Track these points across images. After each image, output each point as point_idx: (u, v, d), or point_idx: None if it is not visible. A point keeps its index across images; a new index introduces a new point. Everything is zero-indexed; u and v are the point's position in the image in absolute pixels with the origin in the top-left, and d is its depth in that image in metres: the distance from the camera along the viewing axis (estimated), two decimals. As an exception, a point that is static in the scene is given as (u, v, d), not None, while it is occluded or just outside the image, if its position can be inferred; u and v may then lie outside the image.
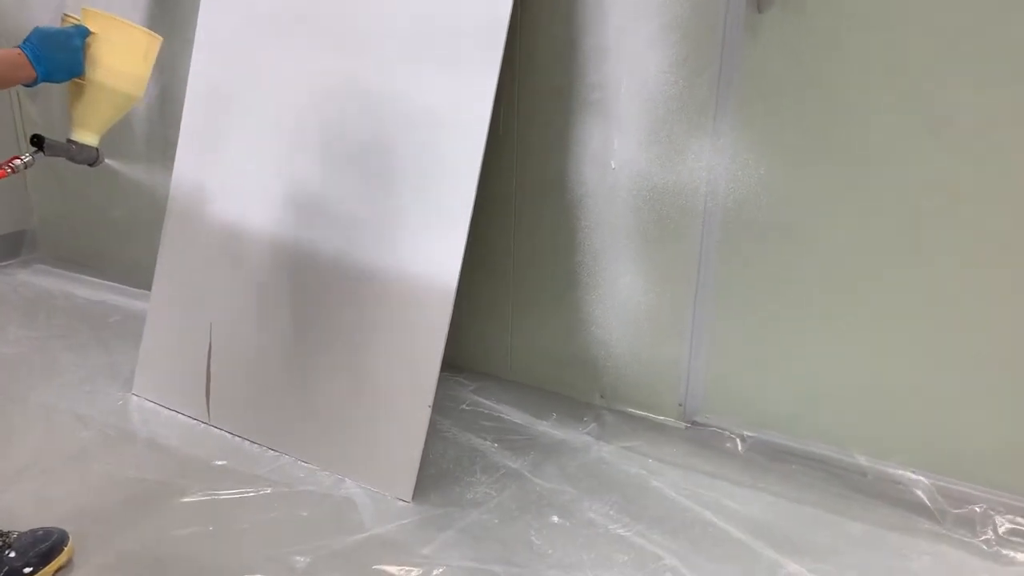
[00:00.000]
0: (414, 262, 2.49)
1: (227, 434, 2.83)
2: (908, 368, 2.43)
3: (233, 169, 2.82)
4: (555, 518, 2.42)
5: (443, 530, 2.36)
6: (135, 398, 3.06)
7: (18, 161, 1.95)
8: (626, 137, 2.60)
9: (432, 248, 2.46)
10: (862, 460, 2.60)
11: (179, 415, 2.94)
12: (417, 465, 2.48)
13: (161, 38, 2.09)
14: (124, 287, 4.13)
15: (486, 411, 3.00)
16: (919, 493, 2.48)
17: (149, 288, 3.09)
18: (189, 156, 2.93)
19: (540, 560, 2.25)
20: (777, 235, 2.48)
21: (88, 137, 2.07)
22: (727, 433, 2.81)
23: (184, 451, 2.73)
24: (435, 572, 2.18)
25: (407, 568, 2.20)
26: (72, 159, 2.07)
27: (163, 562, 2.20)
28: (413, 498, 2.49)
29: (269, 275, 2.74)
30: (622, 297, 2.78)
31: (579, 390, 3.01)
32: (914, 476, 2.52)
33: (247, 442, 2.78)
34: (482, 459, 2.71)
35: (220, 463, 2.67)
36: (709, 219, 2.56)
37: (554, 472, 2.65)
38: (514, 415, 2.97)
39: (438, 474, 2.63)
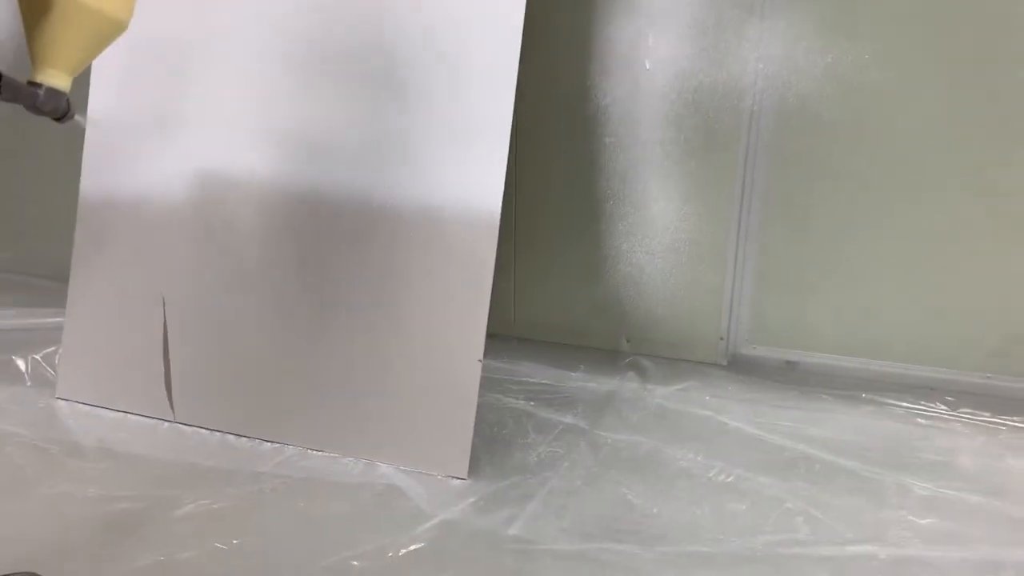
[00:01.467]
0: (442, 189, 2.04)
1: (202, 430, 2.26)
2: (979, 286, 2.25)
3: (189, 97, 2.25)
4: (644, 472, 2.06)
5: (523, 503, 1.95)
6: (62, 403, 2.41)
7: None
8: (663, 30, 2.26)
9: (466, 170, 2.02)
10: (927, 372, 2.41)
11: (130, 416, 2.34)
12: (470, 434, 2.05)
13: None
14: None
15: (504, 373, 2.59)
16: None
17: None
18: (107, 86, 2.32)
19: (651, 523, 1.88)
20: (844, 133, 2.23)
21: (58, 79, 1.48)
22: (777, 361, 2.55)
23: (153, 456, 2.15)
24: (541, 558, 1.76)
25: (502, 556, 1.77)
26: (34, 108, 1.48)
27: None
28: (468, 474, 2.05)
29: (248, 227, 2.20)
30: (657, 225, 2.44)
31: (601, 338, 2.66)
32: (984, 380, 2.36)
33: (232, 436, 2.24)
34: (528, 419, 2.31)
35: (207, 464, 2.11)
36: (759, 120, 2.28)
37: (616, 423, 2.29)
38: (537, 373, 2.57)
39: (483, 443, 2.20)
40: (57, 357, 2.54)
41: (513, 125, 2.46)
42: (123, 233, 2.34)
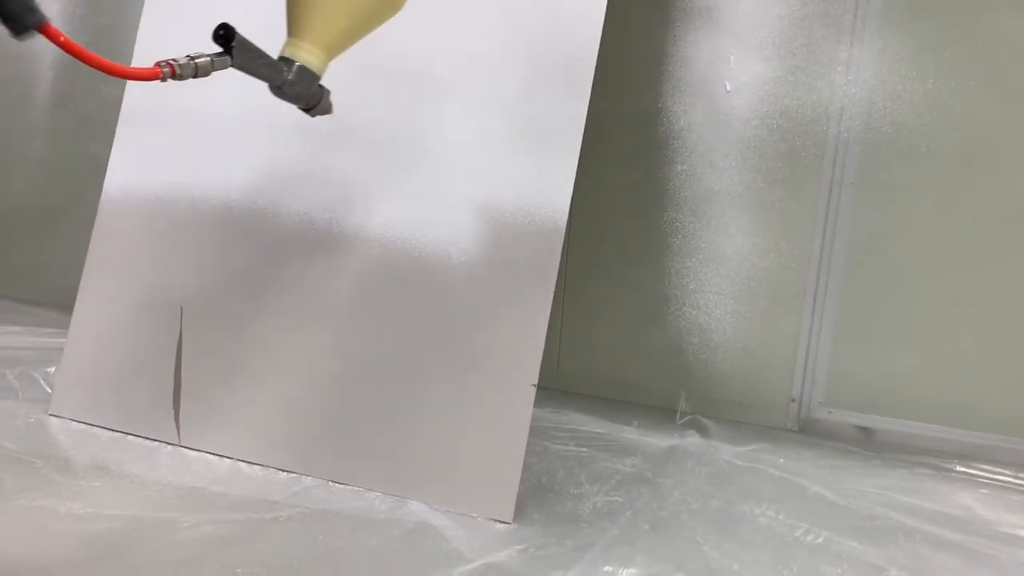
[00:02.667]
0: (503, 200, 1.84)
1: (209, 455, 1.99)
2: None
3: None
4: (720, 527, 1.77)
5: (581, 552, 1.65)
6: (55, 420, 2.15)
7: (184, 60, 1.12)
8: (746, 50, 2.10)
9: (526, 170, 1.83)
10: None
11: (128, 437, 2.06)
12: (518, 473, 1.77)
13: None
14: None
15: (549, 422, 2.32)
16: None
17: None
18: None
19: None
20: (943, 167, 2.03)
21: (312, 55, 1.23)
22: (852, 428, 2.27)
23: (151, 478, 1.87)
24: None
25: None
26: (279, 90, 1.23)
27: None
28: (513, 519, 1.76)
29: (282, 240, 1.99)
30: (731, 262, 2.22)
31: (656, 394, 2.39)
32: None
33: (243, 464, 1.96)
34: (580, 468, 2.02)
35: (215, 489, 1.83)
36: (847, 149, 2.09)
37: (682, 474, 2.00)
38: (587, 423, 2.30)
39: (529, 490, 1.92)
40: (53, 372, 2.29)
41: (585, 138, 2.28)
42: (142, 237, 2.13)
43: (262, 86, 1.25)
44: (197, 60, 1.11)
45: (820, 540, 1.74)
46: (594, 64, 1.79)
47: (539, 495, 1.89)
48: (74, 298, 2.19)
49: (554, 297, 1.81)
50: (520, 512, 1.79)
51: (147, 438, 2.05)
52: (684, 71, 2.14)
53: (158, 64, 1.09)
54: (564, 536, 1.71)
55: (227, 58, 1.13)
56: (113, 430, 2.08)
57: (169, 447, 2.03)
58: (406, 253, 1.90)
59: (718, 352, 2.25)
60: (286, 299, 1.98)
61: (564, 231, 1.80)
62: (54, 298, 2.87)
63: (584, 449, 2.12)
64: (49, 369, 2.43)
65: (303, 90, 1.24)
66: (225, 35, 1.12)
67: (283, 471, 1.93)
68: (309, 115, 1.33)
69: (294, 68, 1.21)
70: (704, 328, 2.24)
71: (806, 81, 2.05)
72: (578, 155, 1.80)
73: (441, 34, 1.94)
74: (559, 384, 2.51)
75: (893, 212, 2.07)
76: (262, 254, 2.01)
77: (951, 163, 2.01)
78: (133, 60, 2.17)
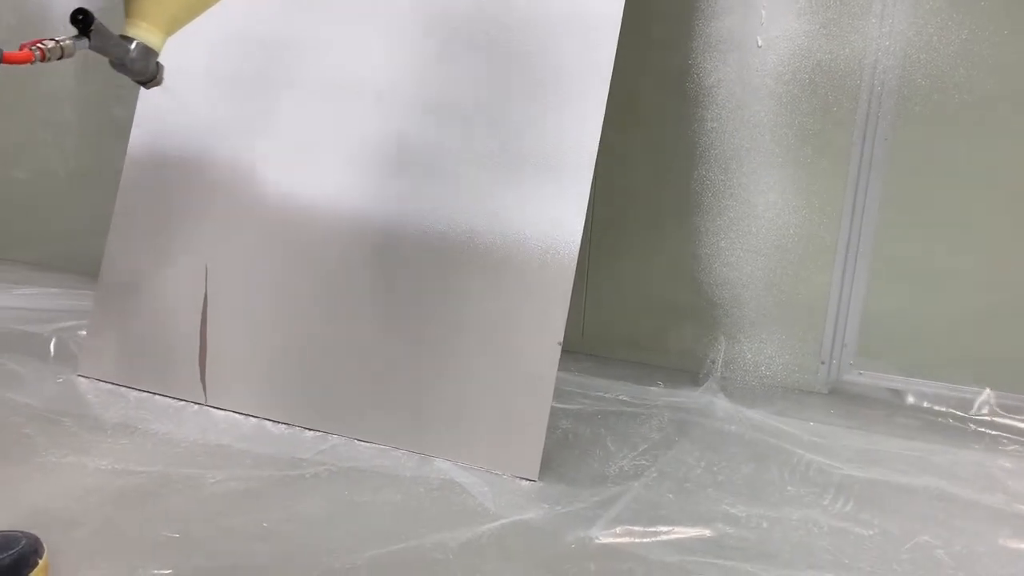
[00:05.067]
0: (524, 137, 1.81)
1: (235, 415, 1.99)
2: None
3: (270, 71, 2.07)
4: (747, 489, 1.75)
5: (607, 507, 1.64)
6: (83, 380, 2.16)
7: (51, 43, 1.19)
8: (779, 4, 2.04)
9: (551, 138, 1.80)
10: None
11: (157, 396, 2.07)
12: (544, 430, 1.76)
13: None
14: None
15: (575, 385, 2.29)
16: None
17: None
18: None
19: (760, 540, 1.56)
20: (977, 121, 1.97)
21: (153, 36, 1.34)
22: (884, 391, 2.23)
23: (178, 436, 1.88)
24: (633, 565, 1.45)
25: (586, 562, 1.46)
26: (122, 65, 1.33)
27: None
28: (539, 477, 1.75)
29: (314, 201, 1.98)
30: (762, 219, 2.17)
31: (684, 355, 2.36)
32: None
33: (269, 422, 1.96)
34: (607, 429, 2.00)
35: (240, 447, 1.84)
36: (880, 103, 2.03)
37: (709, 437, 1.98)
38: (613, 387, 2.28)
39: (555, 448, 1.90)
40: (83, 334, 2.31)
41: (616, 94, 2.24)
42: (165, 199, 2.13)
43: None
44: (62, 43, 1.20)
45: (849, 507, 1.71)
46: (606, 90, 1.75)
47: (564, 454, 1.88)
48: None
49: (580, 259, 1.79)
50: (545, 471, 1.78)
51: (174, 397, 2.06)
52: (715, 26, 2.09)
53: (29, 48, 1.16)
54: (592, 494, 1.70)
55: (85, 40, 1.23)
56: (141, 390, 2.09)
57: (195, 406, 2.03)
58: (433, 226, 1.88)
59: (748, 309, 2.21)
60: (313, 260, 1.97)
61: (588, 193, 1.77)
62: (85, 263, 2.89)
63: (610, 412, 2.10)
64: (81, 331, 2.45)
65: (143, 66, 1.34)
66: (84, 20, 1.22)
67: (309, 429, 1.93)
68: (144, 88, 1.43)
69: (136, 46, 1.32)
70: (734, 286, 2.21)
71: (839, 34, 2.00)
72: (602, 116, 1.76)
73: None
74: (585, 348, 2.49)
75: (926, 166, 2.01)
76: (287, 216, 2.00)
77: (985, 114, 1.95)
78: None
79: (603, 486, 1.74)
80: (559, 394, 2.21)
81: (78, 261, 2.98)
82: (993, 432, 2.08)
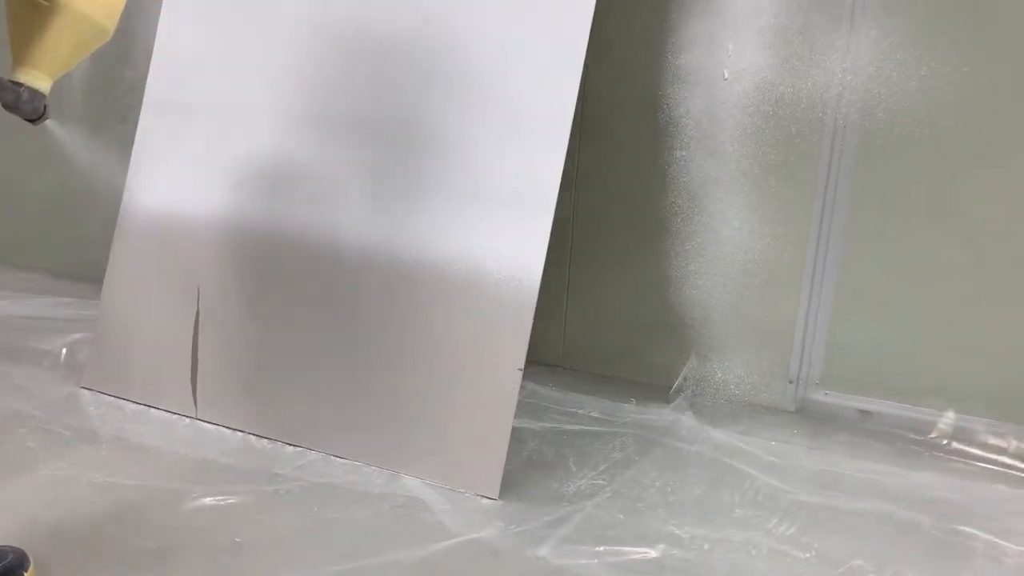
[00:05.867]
0: (495, 179, 1.91)
1: (223, 429, 2.13)
2: None
3: (229, 89, 2.18)
4: (695, 513, 1.84)
5: (556, 527, 1.74)
6: (86, 392, 2.31)
7: None
8: (744, 38, 2.11)
9: (515, 160, 1.89)
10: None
11: (152, 410, 2.21)
12: (503, 452, 1.86)
13: None
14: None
15: (550, 401, 2.39)
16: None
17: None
18: (161, 78, 2.27)
19: (698, 560, 1.66)
20: (938, 154, 2.02)
21: (39, 80, 1.48)
22: (849, 410, 2.31)
23: (168, 450, 2.02)
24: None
25: (530, 578, 1.57)
26: (14, 107, 1.47)
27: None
28: (500, 496, 1.86)
29: (290, 235, 2.10)
30: (728, 245, 2.25)
31: (657, 371, 2.44)
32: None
33: (253, 437, 2.09)
34: (571, 449, 2.11)
35: (224, 461, 1.97)
36: (844, 137, 2.09)
37: (668, 459, 2.07)
38: (586, 403, 2.37)
39: (520, 467, 2.01)
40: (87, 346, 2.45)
41: (575, 130, 2.34)
42: (164, 228, 2.25)
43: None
44: None
45: (792, 530, 1.79)
46: (569, 124, 1.83)
47: (527, 473, 1.98)
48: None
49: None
50: (508, 489, 1.89)
51: (168, 411, 2.20)
52: (683, 58, 2.16)
53: None
54: (544, 513, 1.80)
55: None
56: (137, 403, 2.24)
57: (187, 420, 2.17)
58: (405, 255, 1.98)
59: (717, 331, 2.30)
60: (294, 287, 2.09)
61: (551, 218, 1.86)
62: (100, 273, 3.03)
63: (576, 432, 2.20)
64: (80, 338, 2.60)
65: (32, 108, 1.47)
66: None
67: (290, 445, 2.06)
68: (33, 124, 1.55)
69: (25, 90, 1.44)
70: (704, 308, 2.29)
71: (802, 68, 2.06)
72: (563, 159, 1.85)
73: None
74: (565, 363, 2.58)
75: (889, 198, 2.08)
76: (272, 243, 2.11)
77: (945, 150, 2.00)
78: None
79: (558, 505, 1.84)
80: (533, 410, 2.32)
81: (95, 270, 3.12)
82: (949, 456, 2.14)
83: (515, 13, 1.91)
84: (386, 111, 2.01)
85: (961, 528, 1.82)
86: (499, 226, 1.91)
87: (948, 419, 2.20)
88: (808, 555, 1.71)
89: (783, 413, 2.35)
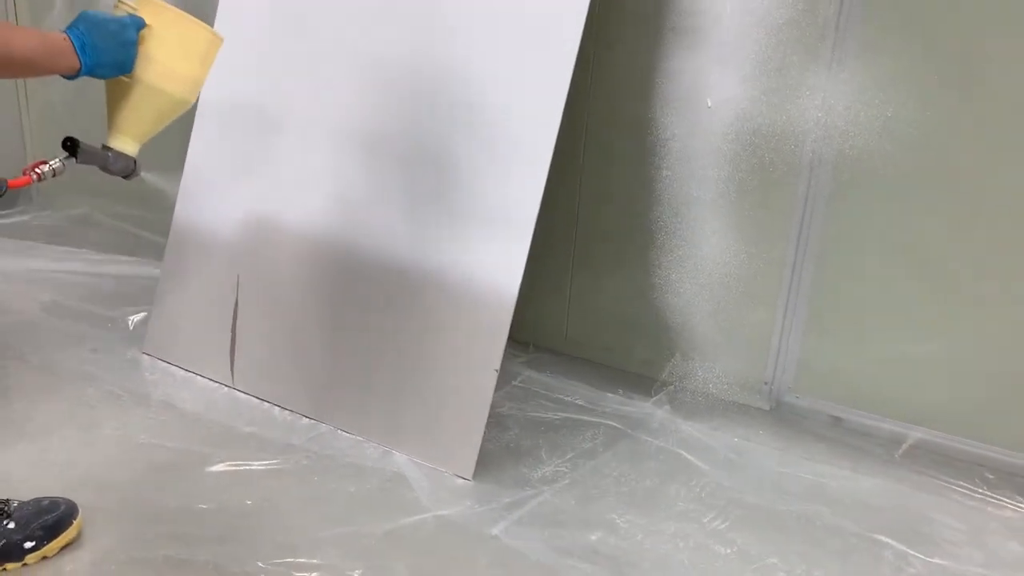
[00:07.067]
0: (483, 198, 2.16)
1: (254, 399, 2.48)
2: None
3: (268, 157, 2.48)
4: (640, 505, 2.10)
5: (512, 510, 2.03)
6: (146, 357, 2.71)
7: (45, 167, 1.60)
8: (727, 70, 2.27)
9: (504, 184, 2.14)
10: (984, 450, 2.30)
11: (197, 377, 2.59)
12: (479, 438, 2.15)
13: (223, 38, 1.72)
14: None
15: (542, 387, 2.66)
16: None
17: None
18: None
19: (628, 548, 1.92)
20: (902, 191, 2.16)
21: (127, 145, 1.70)
22: (819, 414, 2.50)
23: (205, 416, 2.39)
24: (514, 564, 1.85)
25: (476, 552, 1.87)
26: (105, 168, 1.70)
27: (187, 541, 1.85)
28: (474, 476, 2.16)
29: (312, 223, 2.40)
30: (707, 260, 2.45)
31: (646, 364, 2.68)
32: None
33: (277, 408, 2.44)
34: (546, 438, 2.38)
35: (248, 430, 2.33)
36: (818, 169, 2.25)
37: (631, 452, 2.33)
38: (575, 391, 2.63)
39: (498, 451, 2.30)
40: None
41: (581, 145, 2.56)
42: (211, 221, 2.59)
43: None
44: (54, 166, 1.60)
45: (724, 525, 2.03)
46: (551, 152, 2.06)
47: (503, 457, 2.27)
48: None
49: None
50: (482, 471, 2.18)
51: (211, 379, 2.57)
52: (672, 85, 2.34)
53: (28, 173, 1.57)
54: (508, 495, 2.10)
55: (73, 159, 1.62)
56: (186, 370, 2.62)
57: (225, 388, 2.54)
58: (410, 262, 2.27)
59: (698, 334, 2.51)
60: (318, 278, 2.40)
61: (530, 237, 2.10)
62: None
63: (557, 420, 2.47)
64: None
65: (121, 168, 1.70)
66: (72, 145, 1.60)
67: (306, 417, 2.40)
68: (126, 179, 1.77)
69: (112, 153, 1.67)
70: (684, 313, 2.51)
71: (778, 103, 2.21)
72: (544, 180, 2.08)
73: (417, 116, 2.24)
74: (568, 349, 2.84)
75: (856, 230, 2.23)
76: (299, 244, 2.43)
77: (906, 187, 2.15)
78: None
79: (522, 489, 2.13)
80: (524, 396, 2.60)
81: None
82: (905, 467, 2.29)
83: (506, 56, 2.13)
84: (408, 135, 2.28)
85: (878, 536, 2.02)
86: (486, 242, 2.17)
87: (909, 431, 2.38)
88: (729, 551, 1.95)
89: (758, 412, 2.56)
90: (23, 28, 1.46)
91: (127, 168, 1.73)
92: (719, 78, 2.29)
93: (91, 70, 1.52)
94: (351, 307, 2.35)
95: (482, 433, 2.16)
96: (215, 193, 2.59)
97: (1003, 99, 2.02)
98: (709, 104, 2.32)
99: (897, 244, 2.22)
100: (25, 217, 4.07)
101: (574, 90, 2.33)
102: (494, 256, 2.15)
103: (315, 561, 1.81)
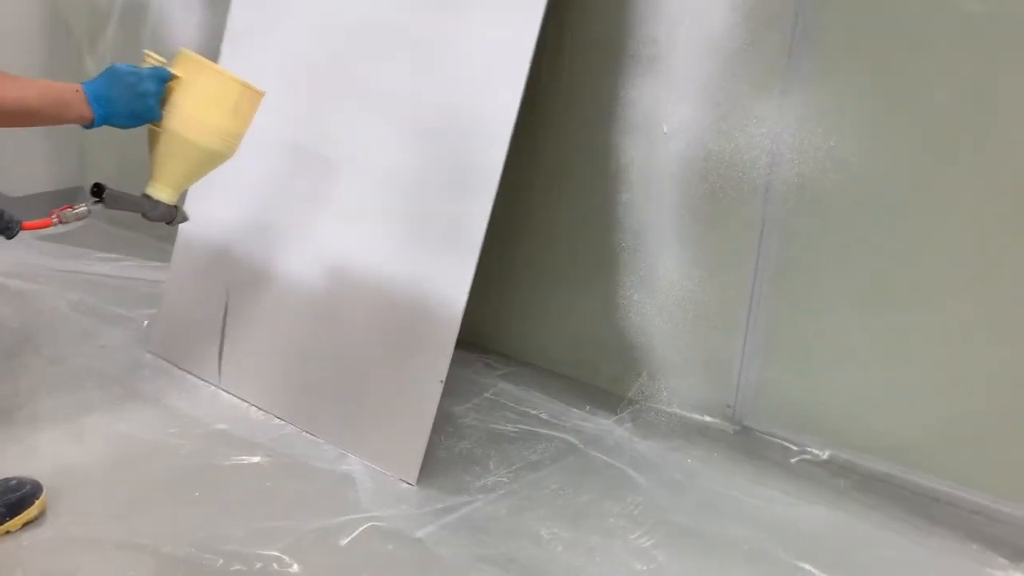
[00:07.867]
0: (435, 217, 2.28)
1: (235, 399, 2.66)
2: (1004, 388, 2.09)
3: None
4: (570, 519, 2.16)
5: (443, 516, 2.13)
6: (149, 356, 2.92)
7: (69, 211, 1.68)
8: (681, 98, 2.33)
9: (455, 204, 2.25)
10: (934, 483, 2.26)
11: (189, 376, 2.79)
12: (424, 446, 2.26)
13: (264, 92, 1.79)
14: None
15: (511, 400, 2.75)
16: (1001, 526, 2.14)
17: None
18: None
19: (545, 559, 1.99)
20: (851, 219, 2.17)
21: (162, 192, 1.78)
22: (779, 441, 2.50)
23: (186, 412, 2.57)
24: (432, 568, 1.95)
25: (397, 553, 1.98)
26: (145, 215, 1.78)
27: (136, 527, 2.02)
28: (418, 482, 2.26)
29: (287, 236, 2.57)
30: (665, 282, 2.50)
31: (614, 383, 2.73)
32: (997, 507, 2.17)
33: (254, 408, 2.61)
34: (497, 448, 2.46)
35: (221, 427, 2.50)
36: (771, 196, 2.27)
37: (579, 466, 2.39)
38: (542, 405, 2.71)
39: (448, 458, 2.40)
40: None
41: (557, 168, 2.65)
42: (208, 231, 2.79)
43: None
44: (78, 211, 1.69)
45: (649, 543, 2.08)
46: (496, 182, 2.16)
47: (450, 465, 2.37)
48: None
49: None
50: (428, 477, 2.29)
51: (201, 379, 2.76)
52: (631, 112, 2.41)
53: (52, 214, 1.66)
54: (444, 501, 2.19)
55: (100, 204, 1.69)
56: (182, 369, 2.82)
57: (212, 388, 2.72)
58: (367, 268, 2.41)
59: (661, 355, 2.56)
60: (290, 292, 2.56)
61: (476, 258, 2.20)
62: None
63: (514, 433, 2.55)
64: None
65: (161, 215, 1.80)
66: (98, 190, 1.68)
67: (278, 418, 2.55)
68: (168, 225, 1.87)
69: (152, 201, 1.77)
70: (646, 333, 2.56)
71: (727, 130, 2.25)
72: (489, 209, 2.18)
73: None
74: (545, 364, 2.92)
75: (813, 257, 2.24)
76: (278, 259, 2.60)
77: (857, 215, 2.15)
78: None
79: (459, 497, 2.22)
80: (490, 407, 2.69)
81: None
82: (856, 495, 2.27)
83: (458, 94, 2.25)
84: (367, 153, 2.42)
85: (802, 564, 2.03)
86: (437, 259, 2.28)
87: (860, 460, 2.36)
88: (645, 568, 1.99)
89: (721, 434, 2.57)
90: (22, 79, 1.56)
91: (167, 215, 1.82)
92: (674, 106, 2.35)
93: (105, 119, 1.62)
94: (320, 316, 2.50)
95: (427, 440, 2.26)
96: (215, 203, 2.78)
97: (949, 127, 2.01)
98: (665, 130, 2.37)
99: (849, 272, 2.22)
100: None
101: (544, 116, 2.44)
102: (444, 271, 2.26)
103: (241, 550, 1.94)
